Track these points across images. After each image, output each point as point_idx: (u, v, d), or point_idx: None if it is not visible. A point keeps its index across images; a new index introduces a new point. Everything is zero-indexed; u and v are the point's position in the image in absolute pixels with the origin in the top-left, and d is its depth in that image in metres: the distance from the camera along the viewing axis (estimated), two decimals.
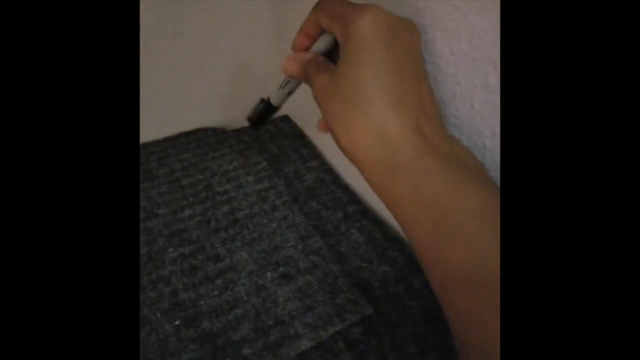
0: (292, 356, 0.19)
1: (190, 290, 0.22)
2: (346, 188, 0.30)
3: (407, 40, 0.17)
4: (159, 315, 0.21)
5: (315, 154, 0.34)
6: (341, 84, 0.17)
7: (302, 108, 0.38)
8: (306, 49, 0.20)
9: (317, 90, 0.18)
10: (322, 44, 0.19)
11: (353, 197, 0.29)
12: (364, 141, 0.16)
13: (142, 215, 0.27)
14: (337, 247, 0.26)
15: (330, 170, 0.32)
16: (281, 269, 0.24)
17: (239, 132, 0.36)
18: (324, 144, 0.34)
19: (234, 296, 0.22)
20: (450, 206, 0.15)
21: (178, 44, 0.31)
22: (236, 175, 0.31)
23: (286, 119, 0.39)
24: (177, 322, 0.21)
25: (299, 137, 0.36)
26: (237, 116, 0.38)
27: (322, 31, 0.19)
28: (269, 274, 0.23)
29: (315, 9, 0.19)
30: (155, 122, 0.34)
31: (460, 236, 0.15)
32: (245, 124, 0.38)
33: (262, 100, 0.24)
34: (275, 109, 0.24)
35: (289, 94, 0.23)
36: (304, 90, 0.37)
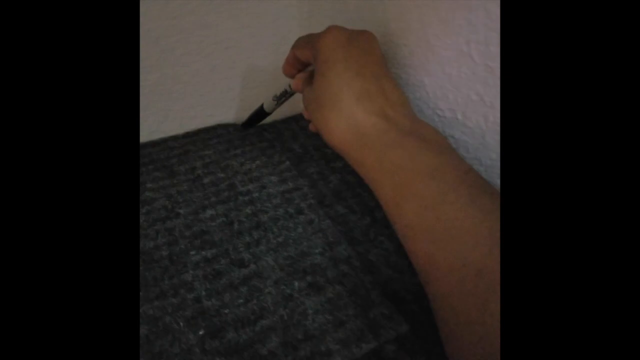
0: None
1: (214, 298, 0.21)
2: (370, 191, 0.29)
3: (365, 47, 0.21)
4: (182, 324, 0.20)
5: (340, 155, 0.32)
6: (316, 92, 0.21)
7: None
8: (294, 75, 0.26)
9: (304, 100, 0.23)
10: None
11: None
12: (338, 130, 0.20)
13: (162, 214, 0.26)
14: (366, 255, 0.24)
15: (354, 172, 0.31)
16: (309, 278, 0.22)
17: (260, 128, 0.35)
18: None
19: (260, 305, 0.21)
20: (404, 170, 0.18)
21: (200, 37, 0.30)
22: (259, 175, 0.29)
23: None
24: (201, 332, 0.20)
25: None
26: None
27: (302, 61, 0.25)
28: (296, 283, 0.22)
29: (292, 47, 0.25)
30: (175, 117, 0.33)
31: (410, 192, 0.18)
32: (267, 120, 0.37)
33: (275, 98, 0.29)
34: (267, 114, 0.30)
35: (280, 104, 0.29)
36: None
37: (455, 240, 0.16)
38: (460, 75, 0.20)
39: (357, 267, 0.23)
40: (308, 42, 0.23)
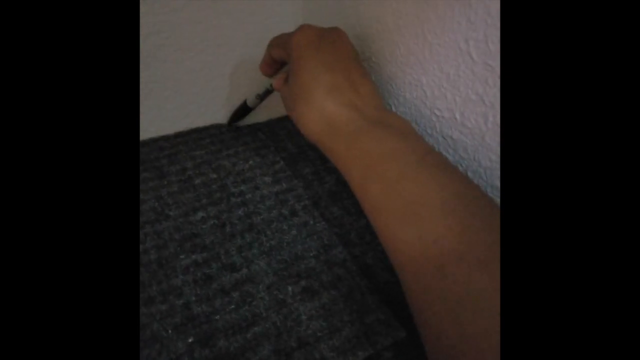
0: None
1: (205, 304, 0.20)
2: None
3: (336, 42, 0.22)
4: (170, 331, 0.19)
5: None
6: (291, 88, 0.22)
7: None
8: (271, 74, 0.27)
9: (282, 96, 0.25)
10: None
11: None
12: (311, 122, 0.22)
13: (151, 216, 0.25)
14: (362, 258, 0.24)
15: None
16: (303, 283, 0.22)
17: (253, 128, 0.34)
18: None
19: (252, 311, 0.20)
20: (370, 154, 0.20)
21: (192, 34, 0.29)
22: (252, 176, 0.28)
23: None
24: (190, 340, 0.19)
25: None
26: (252, 112, 0.36)
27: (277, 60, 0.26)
28: (290, 288, 0.21)
29: (267, 48, 0.26)
30: (166, 116, 0.32)
31: (375, 174, 0.19)
32: (260, 119, 0.36)
33: (258, 96, 0.30)
34: (250, 109, 0.31)
35: (261, 101, 0.30)
36: None
37: (414, 214, 0.17)
38: (458, 74, 0.20)
39: (353, 270, 0.22)
40: (281, 41, 0.24)
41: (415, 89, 0.23)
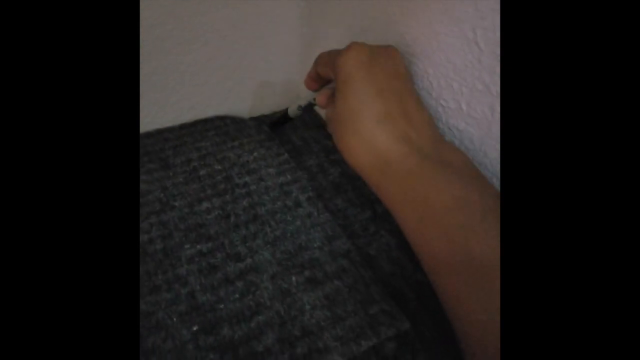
0: None
1: (209, 292, 0.21)
2: None
3: (387, 64, 0.20)
4: (175, 319, 0.19)
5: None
6: (337, 113, 0.21)
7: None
8: (316, 89, 0.26)
9: (326, 119, 0.23)
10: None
11: None
12: (358, 152, 0.20)
13: (157, 207, 0.25)
14: (366, 249, 0.24)
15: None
16: (307, 273, 0.22)
17: (258, 121, 0.34)
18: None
19: (256, 301, 0.20)
20: (429, 202, 0.17)
21: (196, 26, 0.29)
22: (257, 167, 0.28)
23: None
24: (195, 328, 0.19)
25: (322, 127, 0.34)
26: (256, 105, 0.35)
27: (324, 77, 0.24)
28: (293, 278, 0.21)
29: (314, 63, 0.24)
30: (171, 108, 0.32)
31: (436, 226, 0.17)
32: (264, 112, 0.36)
33: (300, 108, 0.28)
34: (290, 119, 0.30)
35: (303, 113, 0.29)
36: None
37: (484, 277, 0.15)
38: (465, 64, 0.20)
39: (357, 261, 0.22)
40: (328, 60, 0.22)
41: (422, 80, 0.23)
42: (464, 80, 0.20)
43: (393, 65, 0.21)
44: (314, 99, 0.26)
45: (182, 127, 0.32)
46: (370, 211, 0.26)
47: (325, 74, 0.23)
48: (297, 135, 0.33)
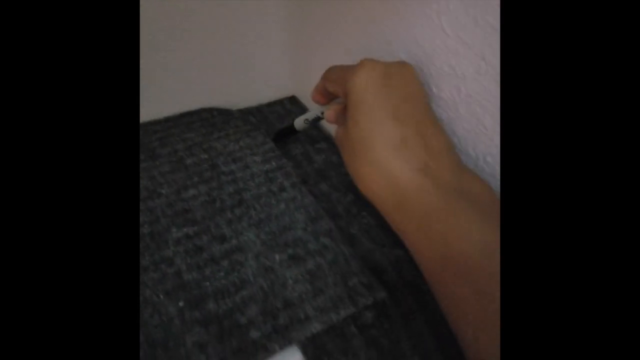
0: (301, 339, 0.18)
1: (195, 271, 0.21)
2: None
3: (402, 83, 0.19)
4: (162, 296, 0.20)
5: (324, 136, 0.33)
6: (348, 137, 0.19)
7: (310, 89, 0.36)
8: (325, 103, 0.24)
9: (336, 139, 0.22)
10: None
11: None
12: (373, 183, 0.18)
13: (144, 194, 0.26)
14: (348, 229, 0.25)
15: (339, 153, 0.31)
16: (290, 251, 0.22)
17: (244, 112, 0.35)
18: (333, 125, 0.33)
19: (240, 277, 0.21)
20: (452, 245, 0.16)
21: (185, 21, 0.30)
22: (242, 156, 0.29)
23: (294, 100, 0.37)
24: (181, 304, 0.20)
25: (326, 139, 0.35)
26: (242, 96, 0.36)
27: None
28: (277, 256, 0.22)
29: (322, 78, 0.22)
30: (158, 101, 0.33)
31: (460, 272, 0.16)
32: (250, 104, 0.37)
33: (306, 121, 0.28)
34: (296, 132, 0.29)
35: (309, 126, 0.28)
36: (312, 70, 0.36)
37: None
38: (433, 48, 0.21)
39: (338, 239, 0.23)
40: (338, 77, 0.20)
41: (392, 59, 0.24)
42: (433, 64, 0.21)
43: (408, 84, 0.19)
44: (322, 113, 0.25)
45: (169, 119, 0.33)
46: (353, 194, 0.27)
47: (334, 92, 0.22)
48: (283, 126, 0.34)
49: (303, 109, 0.36)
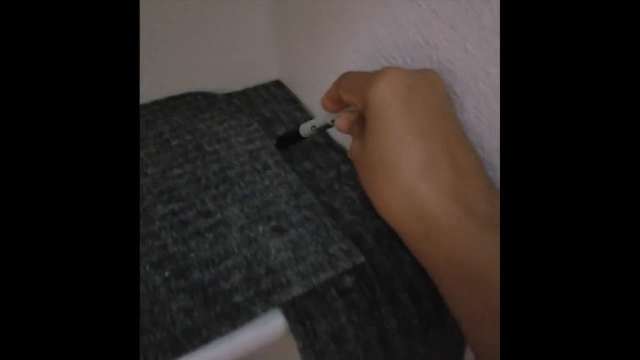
0: (283, 302, 0.19)
1: (181, 244, 0.22)
2: (340, 150, 0.30)
3: (429, 95, 0.17)
4: (147, 268, 0.21)
5: (309, 118, 0.33)
6: (368, 153, 0.17)
7: (295, 73, 0.37)
8: (336, 111, 0.22)
9: (351, 153, 0.20)
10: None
11: (346, 158, 0.29)
12: (396, 207, 0.16)
13: None
14: (330, 203, 0.25)
15: (325, 135, 0.32)
16: (273, 223, 0.23)
17: (229, 96, 0.35)
18: (318, 108, 0.33)
19: (225, 249, 0.22)
20: (486, 285, 0.14)
21: (168, 6, 0.30)
22: (227, 137, 0.30)
23: (278, 84, 0.38)
24: (167, 274, 0.20)
25: (292, 101, 0.35)
26: (227, 81, 0.37)
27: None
28: (260, 228, 0.23)
29: (336, 85, 0.20)
30: (144, 86, 0.33)
31: (492, 317, 0.14)
32: (236, 89, 0.37)
33: (314, 129, 0.26)
34: (302, 138, 0.27)
35: (317, 134, 0.26)
36: (297, 55, 0.36)
37: None
38: (409, 22, 0.21)
39: (321, 212, 0.24)
40: (356, 87, 0.18)
41: (372, 41, 0.24)
42: (407, 37, 0.22)
43: (435, 96, 0.17)
44: (332, 121, 0.23)
45: (155, 103, 0.33)
46: (335, 171, 0.28)
47: (350, 102, 0.19)
48: (268, 108, 0.34)
49: (289, 94, 0.36)
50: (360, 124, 0.19)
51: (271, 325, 0.19)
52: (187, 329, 0.18)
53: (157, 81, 0.33)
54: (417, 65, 0.22)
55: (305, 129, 0.26)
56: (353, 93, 0.19)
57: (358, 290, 0.20)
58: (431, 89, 0.17)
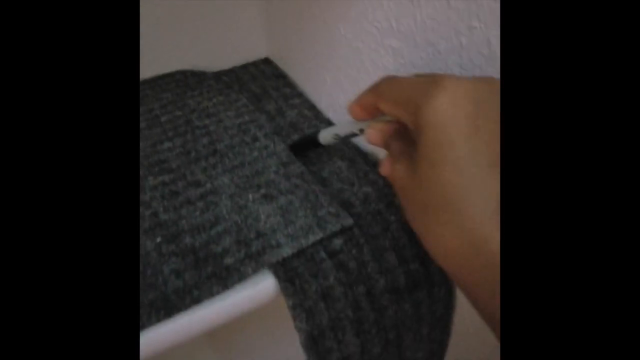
0: (273, 263, 0.19)
1: (171, 212, 0.22)
2: (328, 122, 0.30)
3: (497, 110, 0.13)
4: (139, 234, 0.21)
5: (298, 93, 0.33)
6: (423, 189, 0.14)
7: (284, 50, 0.37)
8: (366, 119, 0.18)
9: (395, 181, 0.16)
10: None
11: None
12: (458, 255, 0.14)
13: None
14: (319, 173, 0.26)
15: (312, 107, 0.32)
16: (263, 191, 0.23)
17: (218, 74, 0.35)
18: (307, 83, 0.33)
19: (215, 215, 0.22)
20: None
21: None
22: (216, 111, 0.30)
23: (267, 61, 0.38)
24: (158, 240, 0.21)
25: (281, 77, 0.35)
26: (216, 58, 0.37)
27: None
28: (250, 195, 0.23)
29: (373, 92, 0.16)
30: None
31: None
32: (225, 67, 0.37)
33: (336, 137, 0.23)
34: (320, 145, 0.24)
35: (339, 142, 0.23)
36: (286, 32, 0.36)
37: None
38: None
39: (309, 180, 0.24)
40: (406, 98, 0.15)
41: (357, 5, 0.24)
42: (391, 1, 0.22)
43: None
44: (360, 130, 0.20)
45: (144, 82, 0.33)
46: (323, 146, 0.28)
47: (393, 115, 0.16)
48: (257, 84, 0.34)
49: (277, 70, 0.36)
50: (403, 140, 0.16)
51: (262, 286, 0.19)
52: (178, 288, 0.18)
53: (146, 60, 0.33)
54: (402, 27, 0.22)
55: (325, 137, 0.23)
56: (399, 106, 0.15)
57: (346, 251, 0.21)
58: (498, 102, 0.13)
